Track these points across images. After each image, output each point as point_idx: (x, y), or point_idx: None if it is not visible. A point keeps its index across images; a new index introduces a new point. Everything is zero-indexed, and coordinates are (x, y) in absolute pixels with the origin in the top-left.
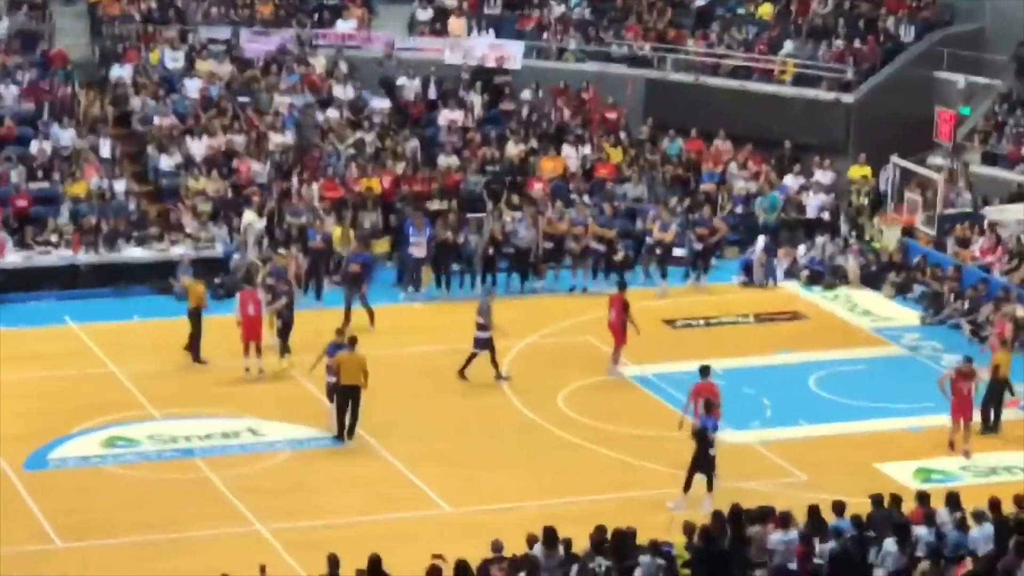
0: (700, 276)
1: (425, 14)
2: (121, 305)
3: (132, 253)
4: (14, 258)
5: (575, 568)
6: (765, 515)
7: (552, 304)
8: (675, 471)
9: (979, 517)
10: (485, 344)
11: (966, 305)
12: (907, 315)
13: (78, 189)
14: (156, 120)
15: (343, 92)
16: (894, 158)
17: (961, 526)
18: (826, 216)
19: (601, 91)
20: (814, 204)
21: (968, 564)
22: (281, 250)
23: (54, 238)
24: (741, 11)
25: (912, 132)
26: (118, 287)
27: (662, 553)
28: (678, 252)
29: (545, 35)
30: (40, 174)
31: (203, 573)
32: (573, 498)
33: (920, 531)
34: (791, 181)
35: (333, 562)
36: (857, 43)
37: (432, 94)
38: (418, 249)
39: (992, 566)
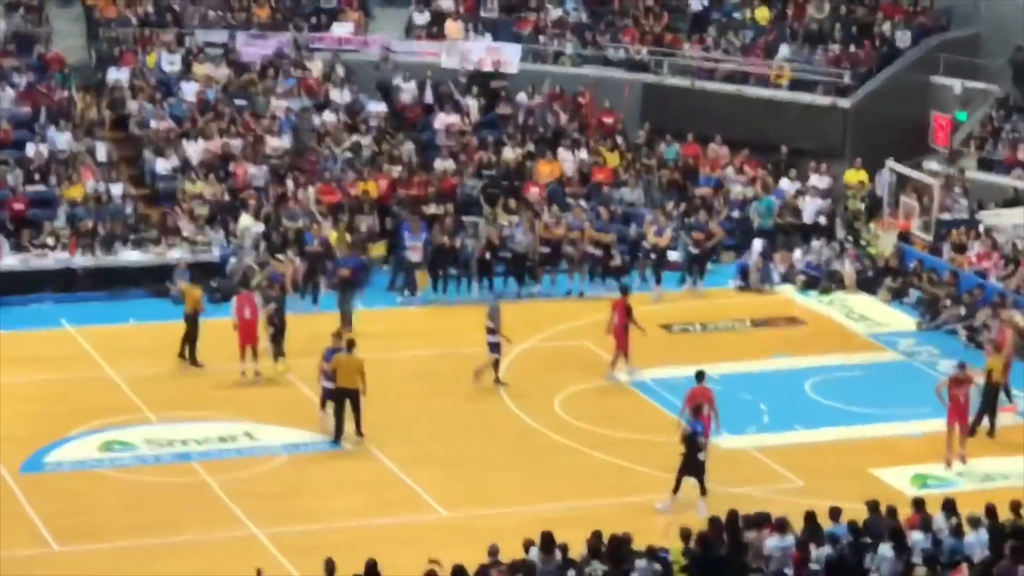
0: (696, 281)
1: (422, 18)
2: (118, 308)
3: (129, 256)
4: (11, 261)
5: (572, 573)
6: (761, 520)
7: (549, 308)
8: (672, 476)
9: (975, 523)
10: (498, 347)
11: (962, 310)
12: (903, 320)
13: (75, 192)
14: (153, 123)
15: (340, 96)
16: (890, 163)
17: (957, 532)
18: (822, 221)
19: (598, 95)
20: (810, 209)
21: (964, 570)
22: (279, 255)
23: (51, 241)
24: (737, 16)
25: (908, 137)
26: (115, 290)
27: (659, 558)
28: (674, 256)
29: (542, 39)
30: (37, 177)
31: None
32: (570, 503)
33: (916, 537)
34: (787, 186)
35: (330, 566)
36: (853, 48)
37: (429, 98)
38: (414, 253)
39: (988, 572)
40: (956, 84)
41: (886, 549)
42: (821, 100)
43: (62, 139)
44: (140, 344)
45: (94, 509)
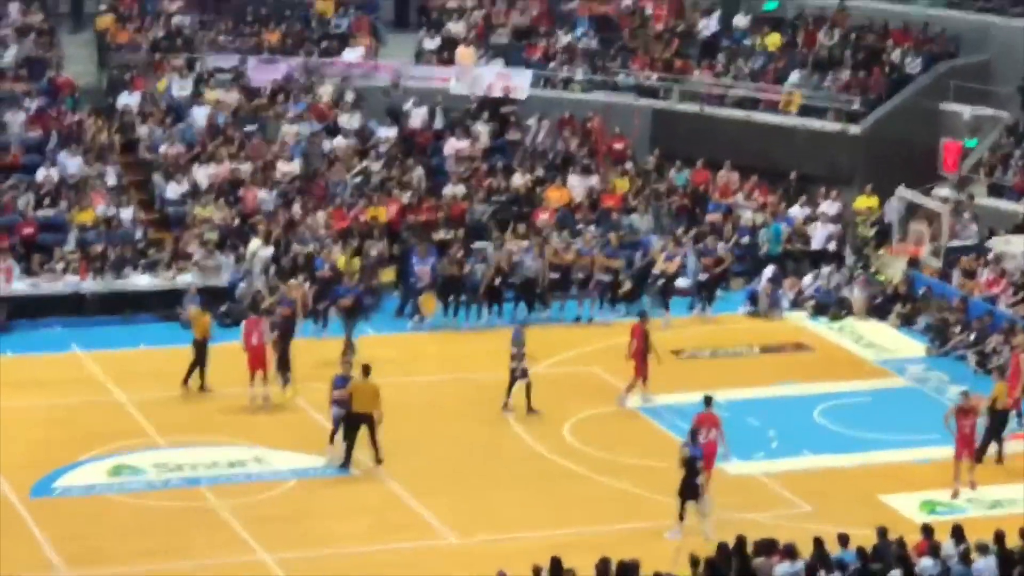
0: (705, 307)
1: (432, 43)
2: (127, 333)
3: (138, 281)
4: (21, 285)
5: None
6: (770, 547)
7: (558, 334)
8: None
9: (983, 549)
10: (526, 372)
11: (972, 337)
12: (913, 347)
13: (85, 217)
14: (163, 148)
15: (350, 121)
16: (900, 189)
17: (965, 558)
18: (832, 247)
19: (608, 121)
20: (820, 235)
21: None
22: (290, 280)
23: (61, 266)
24: (747, 42)
25: (918, 163)
26: (124, 315)
27: None
28: (682, 283)
29: (552, 65)
30: (47, 201)
31: None
32: (578, 528)
33: (925, 563)
34: (797, 212)
35: None
36: (863, 74)
37: (439, 123)
38: (422, 277)
39: None
40: (966, 110)
41: (895, 575)
42: (831, 126)
43: (72, 164)
44: (150, 368)
45: (103, 534)
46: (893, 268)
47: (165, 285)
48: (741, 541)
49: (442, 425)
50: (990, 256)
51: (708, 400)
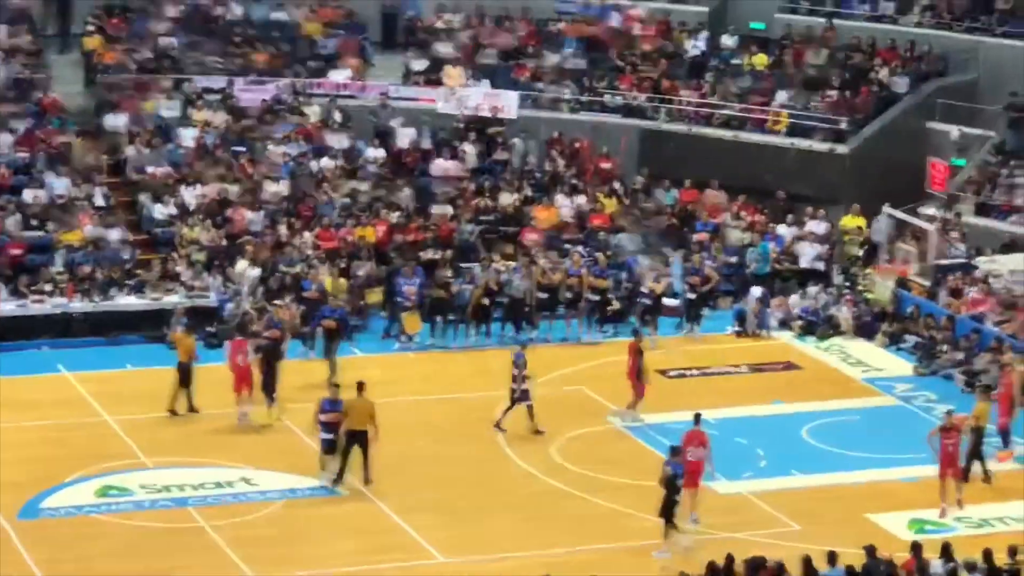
0: (693, 327)
1: (420, 64)
2: (115, 354)
3: (126, 302)
4: (8, 306)
5: None
6: (758, 565)
7: (546, 354)
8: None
9: (971, 567)
10: (527, 394)
11: (959, 355)
12: (900, 365)
13: (72, 237)
14: (150, 169)
15: (337, 141)
16: (887, 208)
17: None
18: (820, 266)
19: (595, 141)
20: (808, 254)
21: None
22: (277, 301)
23: (48, 287)
24: (735, 62)
25: (906, 183)
26: (112, 336)
27: None
28: (671, 302)
29: (539, 85)
30: (34, 222)
31: None
32: (567, 548)
33: None
34: (785, 231)
35: None
36: (850, 94)
37: (426, 143)
38: (409, 297)
39: None
40: (953, 130)
41: None
42: (819, 146)
43: (60, 184)
44: (137, 389)
45: (90, 555)
46: (881, 287)
47: (152, 306)
48: (730, 560)
49: (430, 445)
50: (977, 275)
51: (697, 417)
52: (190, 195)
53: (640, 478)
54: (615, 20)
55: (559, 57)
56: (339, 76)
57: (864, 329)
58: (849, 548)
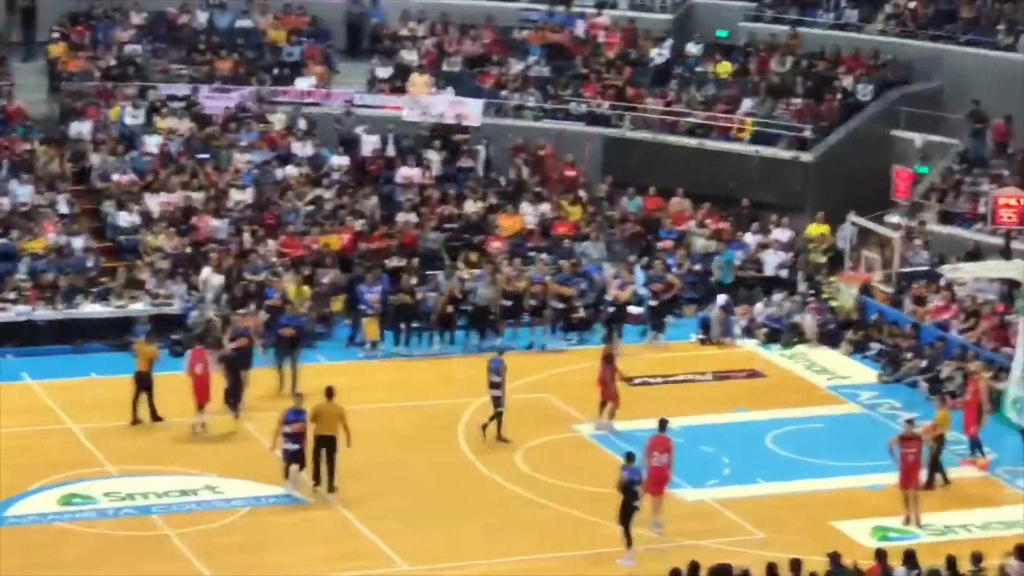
0: (658, 334)
1: (385, 71)
2: (79, 362)
3: (90, 309)
4: None
5: None
6: (723, 573)
7: (510, 362)
8: (633, 529)
9: (935, 575)
10: (499, 401)
11: (924, 363)
12: (865, 373)
13: (36, 245)
14: (115, 177)
15: (302, 149)
16: (852, 216)
17: None
18: (784, 274)
19: (560, 149)
20: (772, 262)
21: None
22: (240, 310)
23: (12, 295)
24: (700, 69)
25: (870, 190)
26: (76, 344)
27: None
28: (635, 310)
29: (504, 93)
30: None
31: None
32: (531, 556)
33: None
34: (750, 239)
35: None
36: (815, 102)
37: (391, 151)
38: (372, 305)
39: None
40: (917, 138)
41: None
42: (783, 154)
43: (24, 192)
44: (101, 398)
45: (54, 563)
46: (845, 295)
47: (117, 314)
48: (694, 567)
49: (395, 453)
50: (941, 283)
51: (663, 424)
52: (154, 203)
53: (604, 486)
54: (580, 28)
55: (524, 65)
56: (304, 84)
57: (828, 337)
58: (813, 556)
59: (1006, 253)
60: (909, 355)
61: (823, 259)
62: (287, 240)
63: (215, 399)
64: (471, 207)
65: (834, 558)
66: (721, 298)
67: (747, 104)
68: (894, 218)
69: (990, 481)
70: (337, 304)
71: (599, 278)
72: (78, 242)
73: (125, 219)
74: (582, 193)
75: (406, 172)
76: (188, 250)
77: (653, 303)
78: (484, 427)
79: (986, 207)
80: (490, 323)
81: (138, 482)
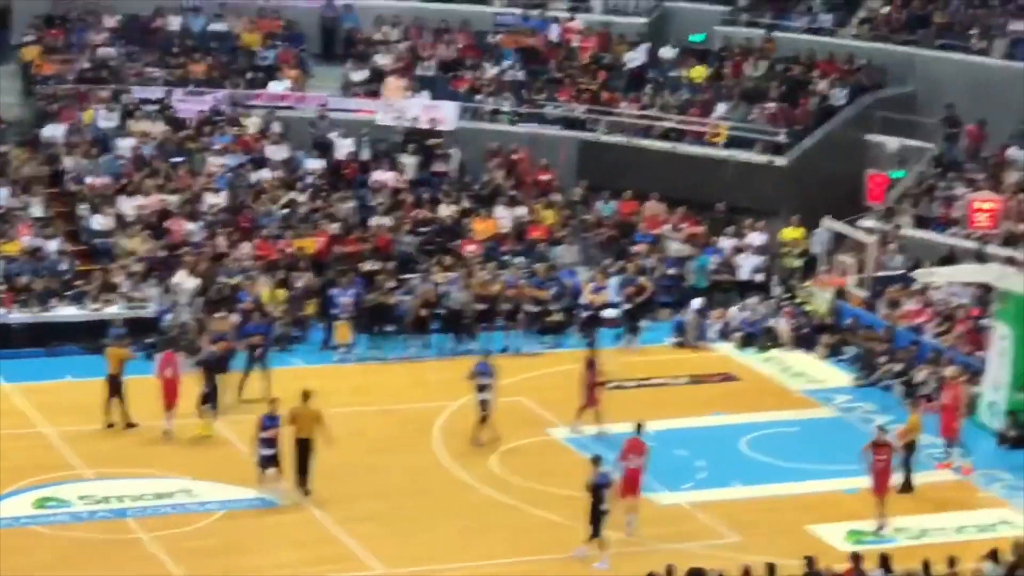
0: (632, 338)
1: (359, 75)
2: (53, 365)
3: (65, 312)
4: None
5: None
6: None
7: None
8: (608, 533)
9: None
10: (484, 405)
11: (898, 367)
12: (839, 377)
13: (10, 248)
14: (89, 179)
15: (276, 152)
16: (826, 220)
17: None
18: (759, 278)
19: (534, 153)
20: (747, 266)
21: None
22: (217, 314)
23: None
24: (674, 74)
25: (844, 194)
26: (50, 347)
27: None
28: (610, 314)
29: (478, 97)
30: None
31: None
32: (506, 559)
33: None
34: (724, 243)
35: None
36: (789, 106)
37: (365, 155)
38: (345, 309)
39: None
40: (891, 142)
41: None
42: (758, 158)
43: None
44: (75, 400)
45: (28, 567)
46: (819, 299)
47: (91, 317)
48: (670, 571)
49: (369, 456)
50: (915, 287)
51: (639, 427)
52: (129, 206)
53: (579, 489)
54: (554, 32)
55: (498, 69)
56: (278, 87)
57: (803, 341)
58: (788, 559)
59: (980, 257)
60: (884, 359)
61: (798, 263)
62: (261, 244)
63: (184, 403)
64: (445, 211)
65: (809, 562)
66: (696, 302)
67: (722, 108)
68: (868, 222)
69: (964, 485)
70: (310, 308)
71: (572, 282)
72: (52, 245)
73: (99, 222)
74: (557, 197)
75: (381, 176)
76: (162, 253)
77: (627, 306)
78: (474, 436)
79: (960, 211)
80: (464, 327)
81: (113, 485)
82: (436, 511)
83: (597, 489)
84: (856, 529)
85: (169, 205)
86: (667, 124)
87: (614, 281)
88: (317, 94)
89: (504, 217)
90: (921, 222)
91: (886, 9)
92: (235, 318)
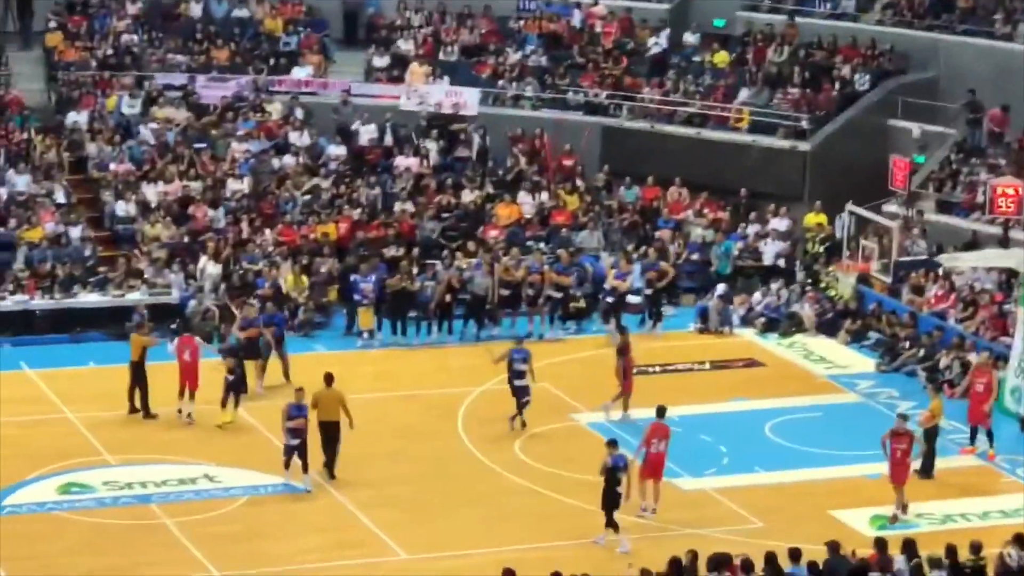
0: (655, 323)
1: (382, 61)
2: (77, 351)
3: (88, 299)
4: None
5: None
6: (722, 562)
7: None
8: (631, 517)
9: (935, 564)
10: (527, 391)
11: (921, 352)
12: (863, 362)
13: (34, 235)
14: (112, 166)
15: (299, 138)
16: (849, 206)
17: (917, 573)
18: (782, 263)
19: (557, 138)
20: (770, 251)
21: None
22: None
23: (10, 284)
24: (696, 59)
25: (867, 180)
26: (74, 333)
27: None
28: (634, 299)
29: (501, 82)
30: None
31: None
32: (530, 545)
33: None
34: (748, 228)
35: None
36: (812, 91)
37: (388, 140)
38: (366, 295)
39: None
40: (914, 127)
41: None
42: (780, 143)
43: (21, 181)
44: (99, 387)
45: (53, 552)
46: (843, 284)
47: (115, 303)
48: (693, 556)
49: (393, 442)
50: (939, 272)
51: (661, 411)
52: (152, 192)
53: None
54: (577, 17)
55: (521, 54)
56: (301, 73)
57: (826, 326)
58: (812, 544)
59: (1004, 242)
60: (907, 344)
61: (821, 248)
62: (284, 229)
63: (204, 389)
64: (468, 196)
65: (833, 547)
66: (719, 287)
67: (744, 94)
68: (891, 207)
69: (988, 470)
70: (332, 294)
71: (594, 268)
72: (75, 231)
73: (123, 208)
74: (580, 182)
75: (404, 162)
76: (185, 239)
77: (648, 292)
78: (513, 419)
79: (984, 196)
80: (488, 312)
81: (137, 471)
82: (459, 497)
83: (612, 472)
84: (879, 514)
85: (192, 191)
86: (690, 109)
87: (637, 267)
88: (340, 80)
89: (527, 203)
90: (944, 207)
91: None
92: (257, 304)
